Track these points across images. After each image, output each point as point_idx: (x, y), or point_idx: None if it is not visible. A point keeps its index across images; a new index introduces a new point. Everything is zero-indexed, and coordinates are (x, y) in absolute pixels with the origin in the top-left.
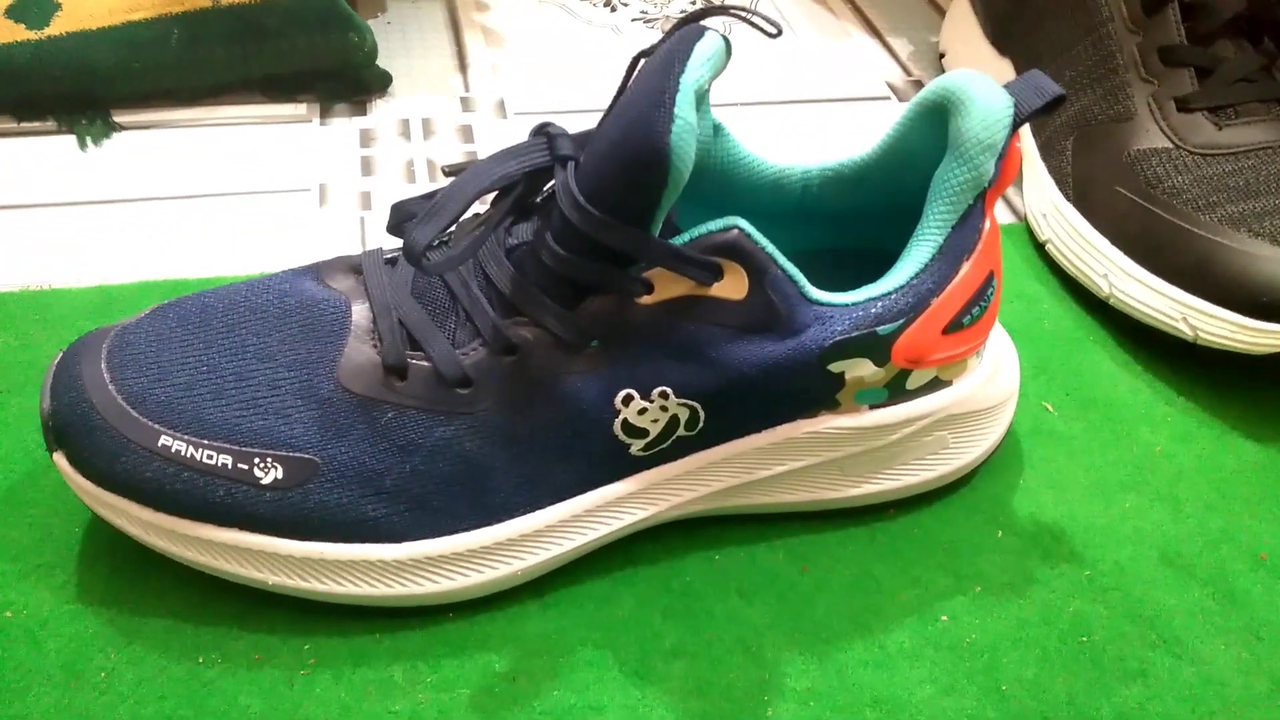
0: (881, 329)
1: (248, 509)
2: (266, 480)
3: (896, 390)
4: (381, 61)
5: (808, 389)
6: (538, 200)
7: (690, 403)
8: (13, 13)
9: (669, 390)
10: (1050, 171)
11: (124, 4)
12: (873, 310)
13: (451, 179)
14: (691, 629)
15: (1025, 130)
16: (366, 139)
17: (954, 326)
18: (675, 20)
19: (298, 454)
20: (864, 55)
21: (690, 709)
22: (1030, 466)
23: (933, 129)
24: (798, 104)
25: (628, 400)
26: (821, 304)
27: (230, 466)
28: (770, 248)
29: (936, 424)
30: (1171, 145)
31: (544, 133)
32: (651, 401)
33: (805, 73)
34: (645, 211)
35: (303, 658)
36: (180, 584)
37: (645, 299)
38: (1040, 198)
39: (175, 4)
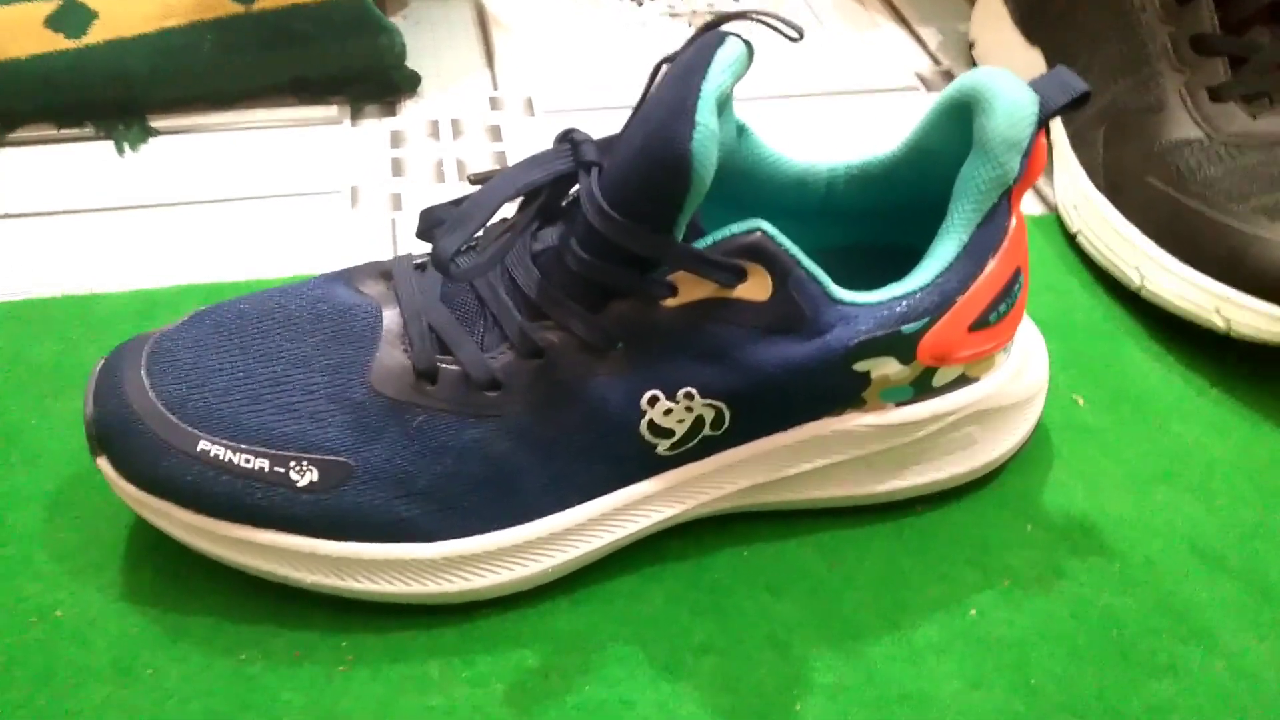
0: (906, 328)
1: (285, 511)
2: (302, 483)
3: (922, 387)
4: (410, 62)
5: (833, 388)
6: (563, 205)
7: (715, 403)
8: (51, 22)
9: (694, 391)
10: (1081, 163)
11: (158, 11)
12: (898, 309)
13: (478, 187)
14: (721, 625)
15: (1056, 121)
16: (397, 140)
17: (980, 324)
18: (702, 15)
19: (332, 457)
20: (893, 46)
21: (720, 704)
22: (1060, 460)
23: (957, 127)
24: (826, 96)
25: (653, 401)
26: (846, 303)
27: (267, 470)
28: (794, 249)
29: (964, 420)
30: (1204, 135)
31: (568, 139)
32: (677, 402)
33: (833, 64)
34: (668, 217)
35: (341, 654)
36: (222, 584)
37: (669, 301)
38: (1071, 189)
39: (208, 10)
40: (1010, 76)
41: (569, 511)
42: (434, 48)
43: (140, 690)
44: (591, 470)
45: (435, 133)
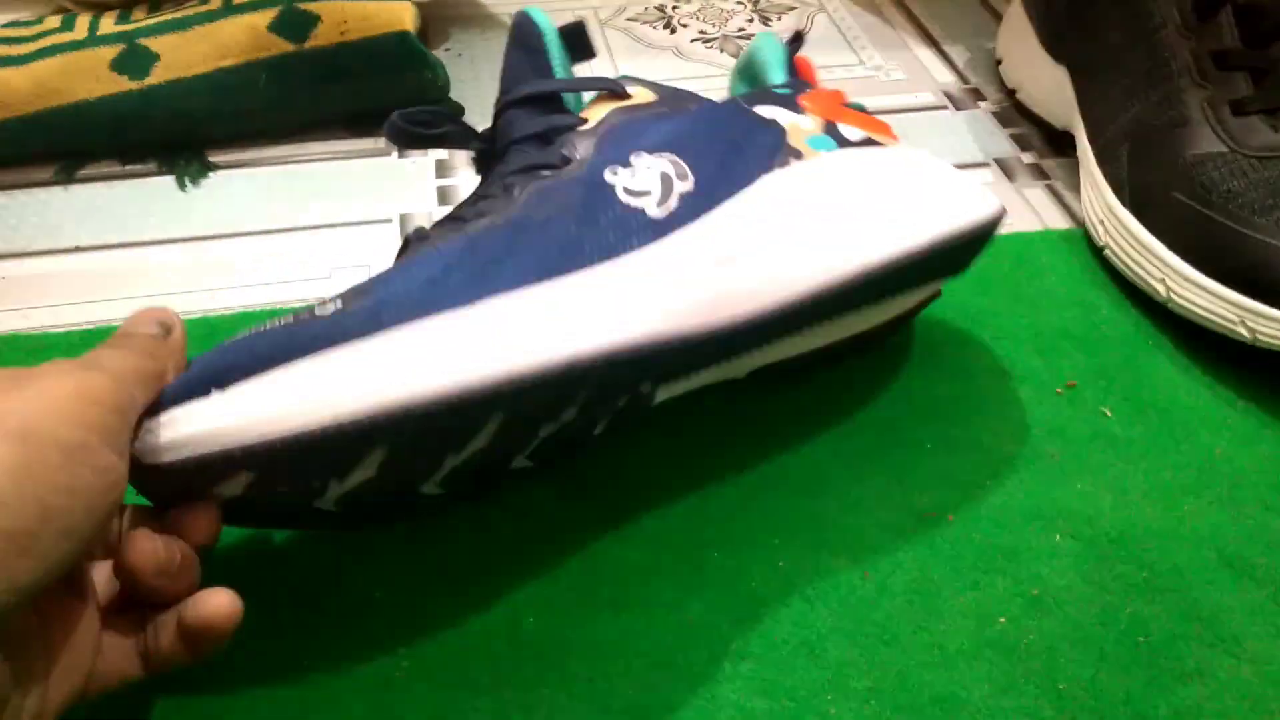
0: (777, 91)
1: (314, 330)
2: (326, 313)
3: (840, 140)
4: (453, 93)
5: (758, 134)
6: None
7: (670, 155)
8: (116, 65)
9: (642, 152)
10: (1106, 178)
11: (215, 52)
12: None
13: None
14: (757, 633)
15: (1081, 137)
16: (442, 170)
17: (852, 105)
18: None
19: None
20: (921, 65)
21: (756, 708)
22: (1089, 471)
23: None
24: None
25: (615, 171)
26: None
27: (292, 319)
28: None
29: (892, 168)
30: (1227, 149)
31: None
32: (636, 164)
33: (865, 86)
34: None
35: (398, 660)
36: (282, 585)
37: (585, 127)
38: (1097, 204)
39: (261, 50)
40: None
41: (594, 267)
42: (475, 78)
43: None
44: (602, 235)
45: None
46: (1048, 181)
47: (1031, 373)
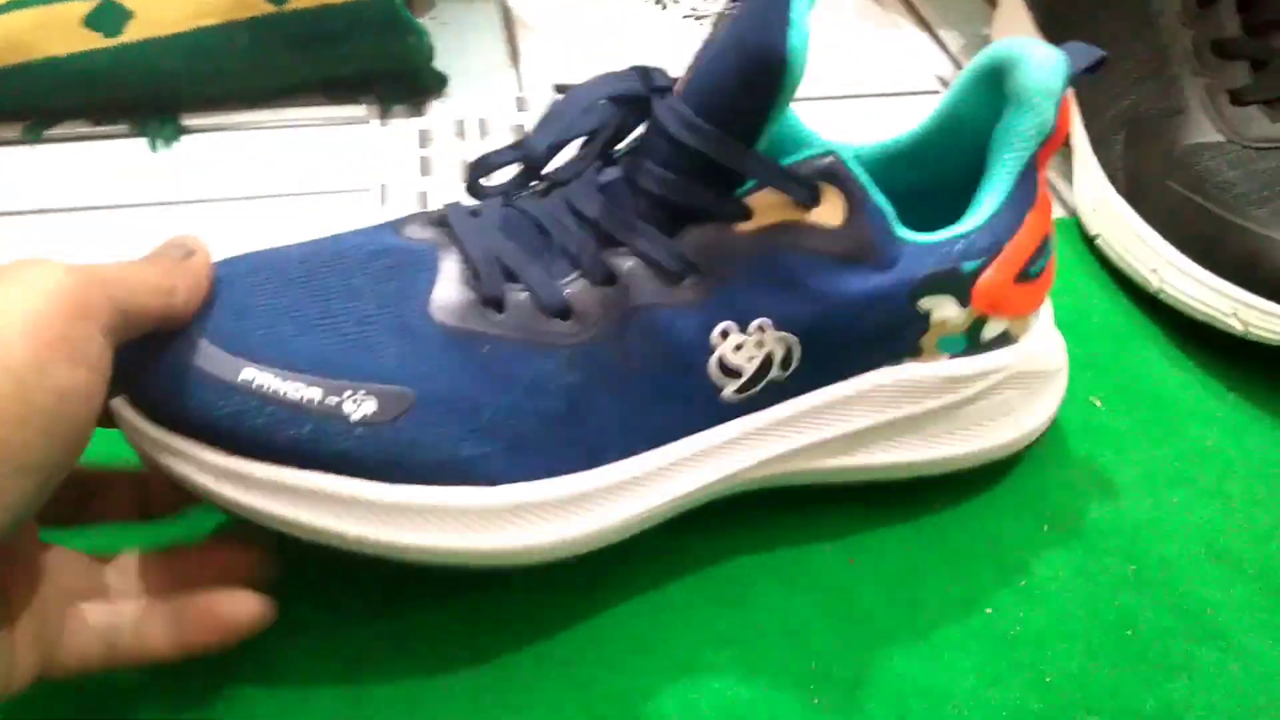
0: (965, 265)
1: (336, 446)
2: (357, 415)
3: (973, 339)
4: (437, 62)
5: (896, 327)
6: (620, 150)
7: (786, 335)
8: (89, 21)
9: (767, 322)
10: (1101, 165)
11: (193, 11)
12: (956, 247)
13: (560, 96)
14: (740, 618)
15: (1077, 123)
16: (425, 139)
17: (1023, 276)
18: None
19: (393, 386)
20: (914, 49)
21: (738, 695)
22: (1077, 462)
23: (986, 95)
24: (848, 99)
25: (725, 334)
26: (909, 240)
27: (318, 401)
28: (864, 176)
29: (1006, 382)
30: (1225, 139)
31: (634, 69)
32: (749, 335)
33: (855, 67)
34: (755, 124)
35: (372, 638)
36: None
37: (744, 226)
38: (1091, 191)
39: (241, 10)
40: (1036, 41)
41: (638, 457)
42: (460, 48)
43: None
44: (659, 413)
45: (462, 132)
46: None
47: None
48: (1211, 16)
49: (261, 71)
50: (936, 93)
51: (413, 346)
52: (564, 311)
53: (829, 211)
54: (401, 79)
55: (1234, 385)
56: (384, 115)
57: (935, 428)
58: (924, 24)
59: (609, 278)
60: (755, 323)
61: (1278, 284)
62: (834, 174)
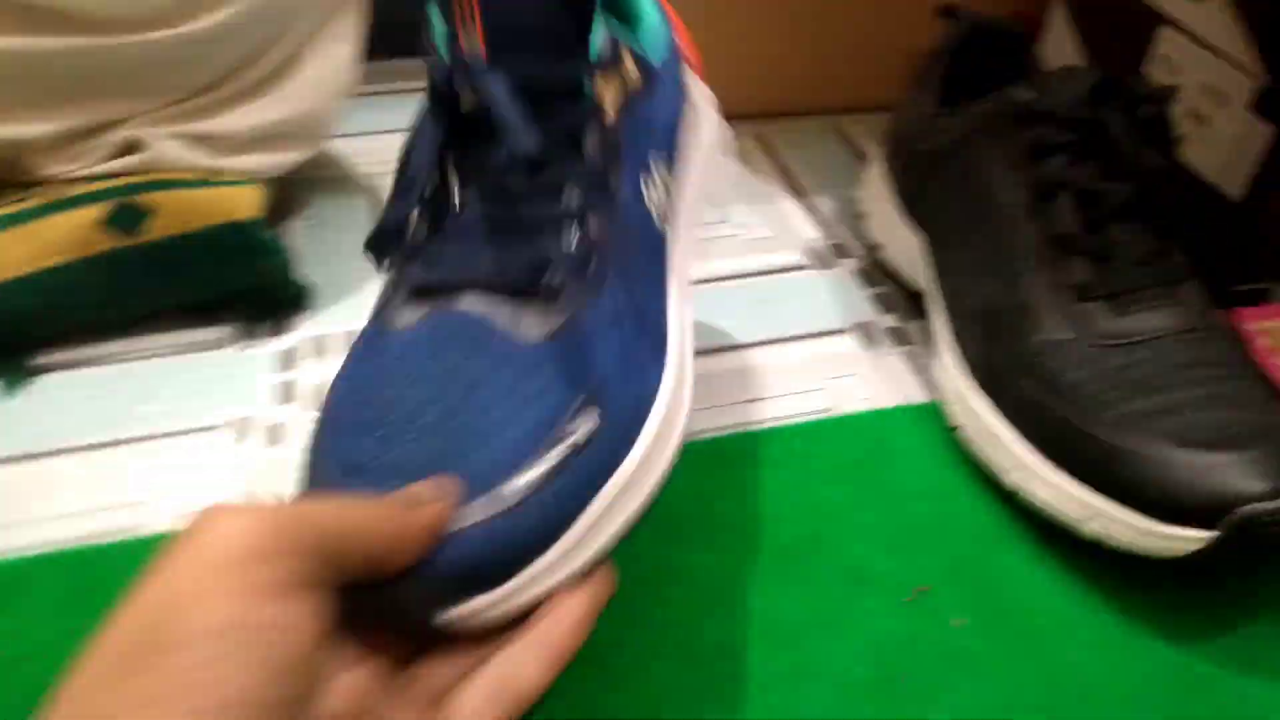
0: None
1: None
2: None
3: None
4: (309, 265)
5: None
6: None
7: (664, 170)
8: None
9: (658, 160)
10: (963, 356)
11: (39, 251)
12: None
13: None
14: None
15: (939, 313)
16: (287, 360)
17: None
18: None
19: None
20: (786, 221)
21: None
22: (938, 694)
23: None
24: (723, 281)
25: (646, 184)
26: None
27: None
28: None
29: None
30: (1072, 336)
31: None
32: (655, 175)
33: (727, 246)
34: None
35: None
36: None
37: (606, 119)
38: (951, 383)
39: (92, 246)
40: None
41: (667, 319)
42: (336, 251)
43: None
44: (656, 269)
45: (322, 350)
46: (909, 346)
47: (882, 577)
48: (1051, 211)
49: (117, 304)
50: (807, 268)
51: (540, 376)
52: (590, 258)
53: (630, 70)
54: (260, 300)
55: (1094, 590)
56: (247, 336)
57: None
58: (797, 190)
59: (591, 209)
60: (653, 164)
61: (1128, 491)
62: (616, 44)
